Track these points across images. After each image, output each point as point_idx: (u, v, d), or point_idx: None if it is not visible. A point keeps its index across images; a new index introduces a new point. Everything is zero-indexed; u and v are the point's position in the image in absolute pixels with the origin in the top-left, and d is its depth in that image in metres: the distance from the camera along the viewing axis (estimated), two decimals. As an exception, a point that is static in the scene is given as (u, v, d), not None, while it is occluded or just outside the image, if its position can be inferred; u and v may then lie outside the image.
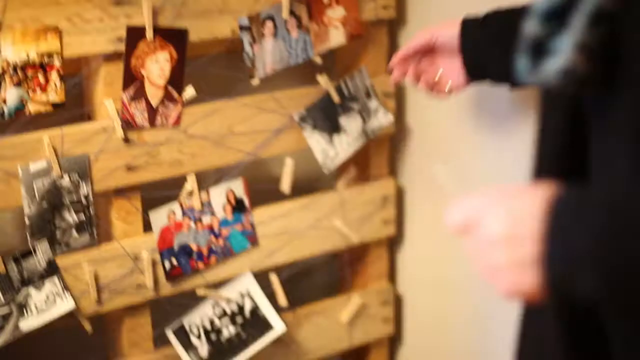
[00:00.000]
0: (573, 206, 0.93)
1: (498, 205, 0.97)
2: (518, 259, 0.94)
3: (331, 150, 2.23)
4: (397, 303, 2.47)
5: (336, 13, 2.18)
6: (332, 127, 2.24)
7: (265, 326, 2.26)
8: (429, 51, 1.87)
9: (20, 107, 1.86)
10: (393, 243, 2.46)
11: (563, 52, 0.94)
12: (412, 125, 2.36)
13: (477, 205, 0.99)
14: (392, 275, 2.47)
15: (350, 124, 2.26)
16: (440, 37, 1.82)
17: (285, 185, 2.23)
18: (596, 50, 0.93)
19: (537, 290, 0.94)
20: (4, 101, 1.84)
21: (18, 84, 1.84)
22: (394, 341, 2.50)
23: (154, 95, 1.98)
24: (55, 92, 1.88)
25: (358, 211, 2.35)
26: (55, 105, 1.89)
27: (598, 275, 0.89)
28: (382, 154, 2.36)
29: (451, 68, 1.84)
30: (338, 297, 2.37)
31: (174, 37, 1.98)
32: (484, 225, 0.97)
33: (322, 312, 2.38)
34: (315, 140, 2.21)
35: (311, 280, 2.42)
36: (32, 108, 1.87)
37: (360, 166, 2.35)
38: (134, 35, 1.93)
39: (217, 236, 2.15)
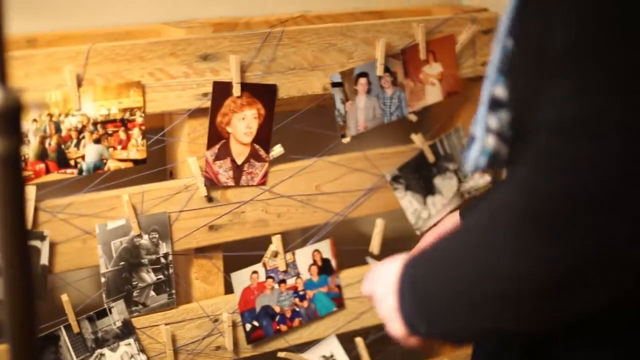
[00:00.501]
0: (411, 265, 1.12)
1: (378, 274, 1.22)
2: (388, 310, 1.16)
3: (424, 211, 2.12)
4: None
5: (433, 70, 2.07)
6: (425, 188, 2.14)
7: (349, 392, 2.16)
8: None
9: (100, 165, 1.80)
10: None
11: (477, 139, 1.09)
12: None
13: (371, 277, 1.26)
14: None
15: (445, 184, 2.15)
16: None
17: (375, 247, 2.14)
18: (501, 131, 1.07)
19: (411, 335, 1.14)
20: (83, 158, 1.78)
21: (98, 141, 1.78)
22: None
23: (240, 153, 1.90)
24: (136, 149, 1.81)
25: None
26: (136, 162, 1.82)
27: (423, 321, 1.10)
28: None
29: None
30: None
31: (262, 93, 1.90)
32: (374, 290, 1.23)
33: None
34: (408, 202, 2.11)
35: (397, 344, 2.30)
36: (111, 165, 1.81)
37: None
38: (221, 91, 1.85)
39: (301, 298, 2.06)
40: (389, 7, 2.18)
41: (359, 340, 2.18)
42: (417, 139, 2.11)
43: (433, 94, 2.08)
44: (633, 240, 0.89)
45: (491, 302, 0.98)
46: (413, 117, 2.09)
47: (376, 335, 2.19)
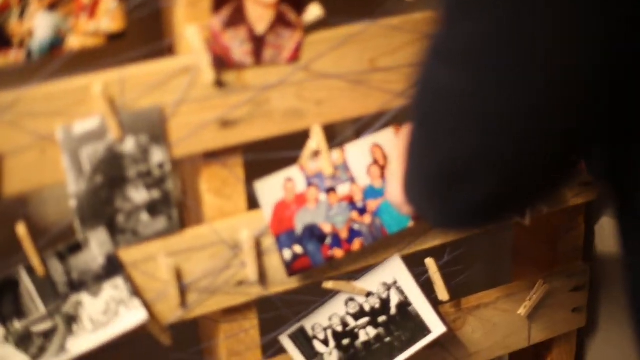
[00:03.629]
0: None
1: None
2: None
3: None
4: (592, 286, 1.91)
5: None
6: None
7: (419, 327, 1.63)
8: None
9: (57, 42, 1.24)
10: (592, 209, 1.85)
11: None
12: None
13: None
14: (587, 252, 1.91)
15: None
16: None
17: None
18: None
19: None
20: (31, 33, 1.21)
21: (52, 7, 1.21)
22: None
23: (260, 17, 1.34)
24: (109, 17, 1.25)
25: None
26: (111, 37, 1.26)
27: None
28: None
29: None
30: (515, 284, 1.85)
31: None
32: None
33: (493, 305, 1.74)
34: None
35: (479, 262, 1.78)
36: (74, 42, 1.25)
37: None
38: None
39: (361, 212, 1.54)
40: None
41: (430, 262, 1.63)
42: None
43: None
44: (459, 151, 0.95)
45: None
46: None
47: (453, 255, 1.65)
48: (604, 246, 1.88)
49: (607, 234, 1.87)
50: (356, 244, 1.54)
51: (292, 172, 1.48)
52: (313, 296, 1.59)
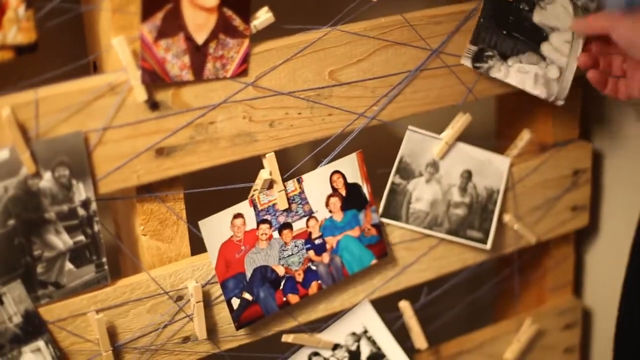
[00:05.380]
0: None
1: None
2: None
3: (550, 68, 1.41)
4: (585, 323, 1.74)
5: None
6: (528, 36, 1.40)
7: (392, 381, 1.43)
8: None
9: (-48, 57, 1.02)
10: (582, 238, 1.71)
11: None
12: None
13: None
14: (578, 285, 1.75)
15: (550, 14, 1.40)
16: (615, 33, 1.29)
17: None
18: None
19: None
20: None
21: (-56, 15, 1.01)
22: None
23: (200, 25, 1.14)
24: (17, 28, 1.03)
25: (536, 195, 1.54)
26: (19, 50, 1.05)
27: None
28: (571, 106, 1.54)
29: (632, 72, 1.36)
30: (500, 325, 1.65)
31: None
32: None
33: (477, 350, 1.57)
34: (517, 72, 1.40)
35: (459, 302, 1.58)
36: (-26, 57, 1.03)
37: (538, 127, 1.55)
38: None
39: (319, 250, 1.35)
40: None
41: (404, 305, 1.43)
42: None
43: None
44: None
45: None
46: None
47: (430, 297, 1.45)
48: (597, 280, 1.69)
49: (600, 265, 1.68)
50: (313, 287, 1.35)
51: (241, 208, 1.27)
52: (271, 352, 1.37)
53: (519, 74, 1.38)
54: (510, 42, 1.37)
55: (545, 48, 1.39)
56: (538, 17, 1.38)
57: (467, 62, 1.36)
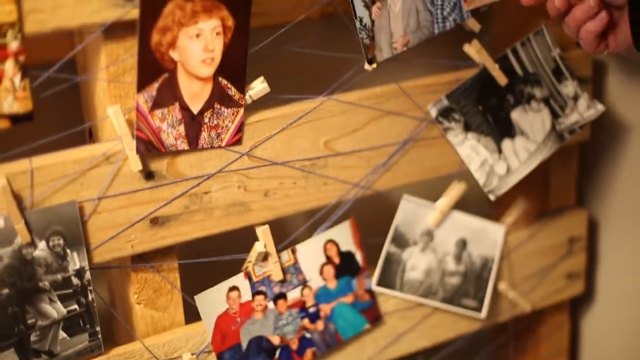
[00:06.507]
0: None
1: None
2: None
3: (499, 164, 1.39)
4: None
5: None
6: (498, 127, 1.40)
7: None
8: None
9: (-52, 127, 1.03)
10: (578, 305, 1.70)
11: None
12: (614, 128, 1.57)
13: None
14: (574, 353, 1.74)
15: (529, 120, 1.41)
16: None
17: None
18: None
19: None
20: None
21: (-59, 85, 1.01)
22: None
23: (196, 95, 1.15)
24: (13, 97, 1.03)
25: (531, 263, 1.54)
26: (14, 119, 1.05)
27: None
28: (567, 173, 1.57)
29: (613, 26, 1.21)
30: None
31: (228, -8, 1.14)
32: None
33: None
34: (470, 149, 1.35)
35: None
36: (-30, 126, 1.04)
37: (533, 194, 1.56)
38: (156, -11, 1.08)
39: (313, 318, 1.35)
40: None
41: (399, 375, 1.42)
42: (474, 50, 1.33)
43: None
44: None
45: None
46: (475, 25, 1.31)
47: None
48: (593, 348, 1.68)
49: (596, 333, 1.67)
50: (308, 355, 1.36)
51: (237, 281, 1.27)
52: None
53: (471, 150, 1.38)
54: (479, 119, 1.38)
55: (506, 144, 1.39)
56: (516, 115, 1.40)
57: (432, 111, 1.35)
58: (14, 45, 1.05)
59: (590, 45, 1.22)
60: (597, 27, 1.20)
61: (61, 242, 1.13)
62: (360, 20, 1.22)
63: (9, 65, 1.05)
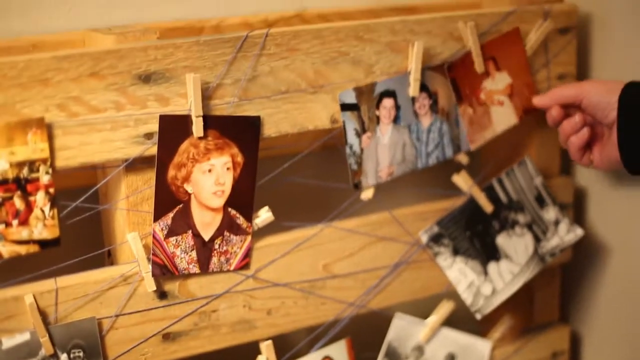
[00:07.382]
0: None
1: None
2: None
3: (486, 285, 1.48)
4: None
5: (498, 83, 1.43)
6: (484, 251, 1.50)
7: None
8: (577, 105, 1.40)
9: (-16, 251, 1.14)
10: None
11: None
12: (594, 250, 1.68)
13: None
14: None
15: (514, 244, 1.50)
16: (587, 100, 1.35)
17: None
18: None
19: None
20: (-44, 242, 1.12)
21: (-20, 213, 1.13)
22: None
23: (207, 224, 1.25)
24: (42, 223, 1.15)
25: None
26: (43, 244, 1.17)
27: None
28: (550, 291, 1.66)
29: (601, 142, 1.37)
30: None
31: (238, 131, 1.26)
32: None
33: None
34: (459, 271, 1.45)
35: None
36: (4, 250, 1.15)
37: (519, 311, 1.65)
38: (173, 129, 1.22)
39: None
40: (424, 1, 1.52)
41: None
42: (462, 180, 1.45)
43: (504, 118, 1.46)
44: None
45: None
46: (464, 159, 1.43)
47: None
48: None
49: None
50: None
51: (242, 388, 1.37)
52: None
53: (459, 273, 1.48)
54: (466, 244, 1.48)
55: (491, 267, 1.50)
56: (501, 240, 1.51)
57: (424, 237, 1.46)
58: (45, 179, 1.16)
59: (574, 155, 1.38)
60: (579, 141, 1.35)
61: (81, 354, 1.24)
62: (350, 147, 1.35)
63: (40, 196, 1.17)
